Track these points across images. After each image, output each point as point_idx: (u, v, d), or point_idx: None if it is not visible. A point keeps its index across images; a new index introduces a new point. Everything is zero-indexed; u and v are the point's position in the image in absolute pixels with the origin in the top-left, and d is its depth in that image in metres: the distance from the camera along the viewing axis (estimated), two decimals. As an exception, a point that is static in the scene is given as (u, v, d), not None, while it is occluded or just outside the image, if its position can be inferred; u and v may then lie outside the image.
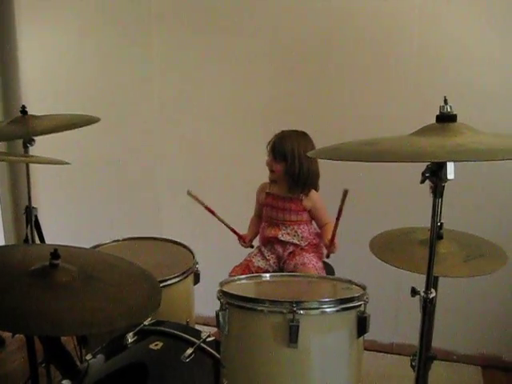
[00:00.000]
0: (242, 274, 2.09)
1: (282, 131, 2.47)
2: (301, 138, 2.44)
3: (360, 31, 2.89)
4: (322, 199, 2.52)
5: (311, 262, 2.44)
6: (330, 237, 2.38)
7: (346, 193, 2.19)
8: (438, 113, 1.50)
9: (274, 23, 3.04)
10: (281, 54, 3.07)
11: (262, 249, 2.58)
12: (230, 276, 2.47)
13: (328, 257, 2.50)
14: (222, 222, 2.53)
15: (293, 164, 2.40)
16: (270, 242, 2.56)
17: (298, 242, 2.49)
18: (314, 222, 2.57)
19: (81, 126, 2.32)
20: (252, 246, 2.65)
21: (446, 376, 2.91)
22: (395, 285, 3.00)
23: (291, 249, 2.51)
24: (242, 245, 2.62)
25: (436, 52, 2.79)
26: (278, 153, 2.41)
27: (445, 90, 1.59)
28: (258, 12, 3.06)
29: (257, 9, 3.07)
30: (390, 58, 2.87)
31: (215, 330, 1.97)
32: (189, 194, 2.44)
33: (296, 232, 2.49)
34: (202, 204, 2.47)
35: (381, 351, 3.16)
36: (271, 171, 2.48)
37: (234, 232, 2.59)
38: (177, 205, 3.45)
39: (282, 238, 2.49)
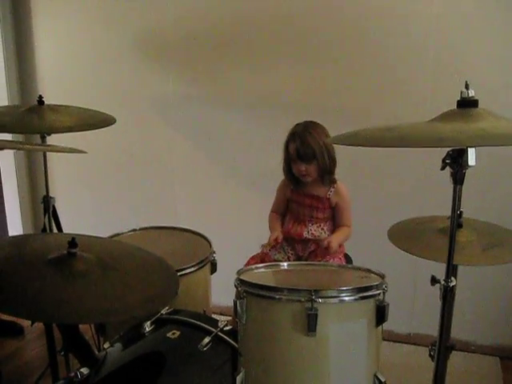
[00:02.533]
0: None
1: (295, 130, 2.39)
2: (316, 128, 2.38)
3: (376, 18, 2.86)
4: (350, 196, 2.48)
5: None
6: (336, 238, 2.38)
7: None
8: (458, 99, 1.49)
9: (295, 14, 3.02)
10: (294, 42, 3.04)
11: (283, 243, 2.53)
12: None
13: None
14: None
15: (323, 158, 2.35)
16: (291, 239, 2.53)
17: (324, 237, 2.45)
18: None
19: (97, 128, 2.34)
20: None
21: (464, 366, 2.88)
22: (412, 275, 2.99)
23: (312, 247, 2.49)
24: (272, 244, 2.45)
25: (455, 38, 2.76)
26: (307, 155, 2.34)
27: (465, 76, 1.57)
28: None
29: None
30: (408, 45, 2.84)
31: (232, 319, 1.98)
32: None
33: (322, 229, 2.46)
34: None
35: (398, 341, 3.14)
36: (307, 176, 2.39)
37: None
38: (193, 195, 3.45)
39: (307, 236, 2.46)
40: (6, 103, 3.55)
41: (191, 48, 3.25)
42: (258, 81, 3.16)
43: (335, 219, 2.50)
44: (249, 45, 3.14)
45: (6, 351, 3.00)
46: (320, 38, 2.99)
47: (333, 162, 2.40)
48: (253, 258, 2.51)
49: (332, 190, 2.45)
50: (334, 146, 2.38)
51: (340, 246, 2.49)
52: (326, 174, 2.41)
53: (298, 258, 2.51)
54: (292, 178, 2.48)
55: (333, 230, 2.49)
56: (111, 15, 3.39)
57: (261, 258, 2.49)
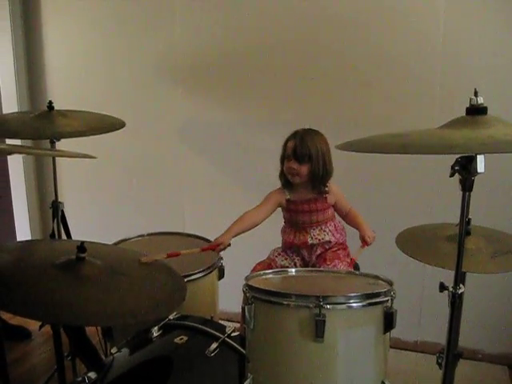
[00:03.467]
0: None
1: (296, 130, 2.41)
2: (317, 135, 2.39)
3: (384, 24, 2.86)
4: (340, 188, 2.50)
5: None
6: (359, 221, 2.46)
7: None
8: (466, 106, 1.49)
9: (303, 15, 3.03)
10: (301, 48, 3.05)
11: (287, 251, 2.53)
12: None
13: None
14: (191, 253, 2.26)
15: (318, 163, 2.35)
16: (295, 246, 2.51)
17: (328, 239, 2.44)
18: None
19: (107, 131, 2.36)
20: (229, 245, 2.35)
21: (472, 375, 2.87)
22: (419, 282, 2.97)
23: (319, 251, 2.47)
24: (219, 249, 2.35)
25: (464, 44, 2.76)
26: (302, 155, 2.34)
27: (473, 83, 1.57)
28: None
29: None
30: (416, 52, 2.84)
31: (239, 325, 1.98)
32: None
33: (324, 230, 2.45)
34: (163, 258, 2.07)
35: (405, 349, 3.13)
36: (295, 175, 2.38)
37: (208, 249, 2.33)
38: (200, 200, 3.45)
39: (312, 242, 2.45)
40: (15, 109, 3.57)
41: (200, 64, 3.28)
42: (266, 95, 3.18)
43: (339, 212, 2.53)
44: (255, 64, 3.17)
45: (13, 355, 3.00)
46: (328, 52, 3.01)
47: (326, 172, 2.39)
48: (260, 263, 2.50)
49: (327, 191, 2.45)
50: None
51: (345, 248, 2.52)
52: (317, 181, 2.40)
53: (305, 264, 2.50)
54: (285, 180, 2.47)
55: (337, 229, 2.49)
56: (122, 23, 3.41)
57: (267, 264, 2.49)
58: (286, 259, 2.50)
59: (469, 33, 2.75)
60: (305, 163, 2.35)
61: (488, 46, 2.73)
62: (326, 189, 2.44)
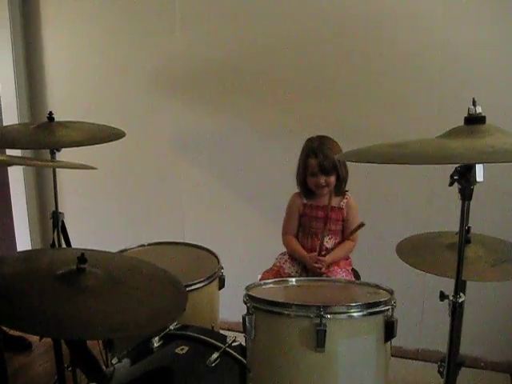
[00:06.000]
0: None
1: (312, 145, 2.44)
2: (330, 142, 2.45)
3: (383, 34, 2.87)
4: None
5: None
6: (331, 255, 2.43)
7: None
8: (465, 116, 1.50)
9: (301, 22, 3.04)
10: (302, 58, 3.06)
11: (293, 259, 2.53)
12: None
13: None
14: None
15: (342, 170, 2.43)
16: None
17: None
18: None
19: (107, 141, 2.36)
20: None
21: (474, 383, 2.86)
22: (420, 291, 2.97)
23: None
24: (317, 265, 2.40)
25: (462, 54, 2.76)
26: (329, 168, 2.39)
27: (472, 92, 1.58)
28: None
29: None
30: (415, 61, 2.84)
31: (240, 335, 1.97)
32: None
33: (333, 243, 2.47)
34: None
35: (406, 357, 3.12)
36: (325, 187, 2.43)
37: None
38: (201, 210, 3.45)
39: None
40: (16, 120, 3.57)
41: (200, 74, 3.28)
42: (265, 104, 3.18)
43: (343, 232, 2.52)
44: (255, 72, 3.17)
45: (14, 366, 2.99)
46: (327, 62, 3.01)
47: (347, 171, 2.47)
48: (267, 271, 2.51)
49: (344, 200, 2.49)
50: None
51: (347, 258, 2.53)
52: (343, 183, 2.47)
53: (307, 272, 2.50)
54: (305, 190, 2.51)
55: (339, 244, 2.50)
56: (122, 34, 3.42)
57: (275, 271, 2.49)
58: (292, 266, 2.51)
59: (467, 43, 2.75)
60: (331, 174, 2.42)
61: (487, 56, 2.73)
62: (346, 197, 2.49)
